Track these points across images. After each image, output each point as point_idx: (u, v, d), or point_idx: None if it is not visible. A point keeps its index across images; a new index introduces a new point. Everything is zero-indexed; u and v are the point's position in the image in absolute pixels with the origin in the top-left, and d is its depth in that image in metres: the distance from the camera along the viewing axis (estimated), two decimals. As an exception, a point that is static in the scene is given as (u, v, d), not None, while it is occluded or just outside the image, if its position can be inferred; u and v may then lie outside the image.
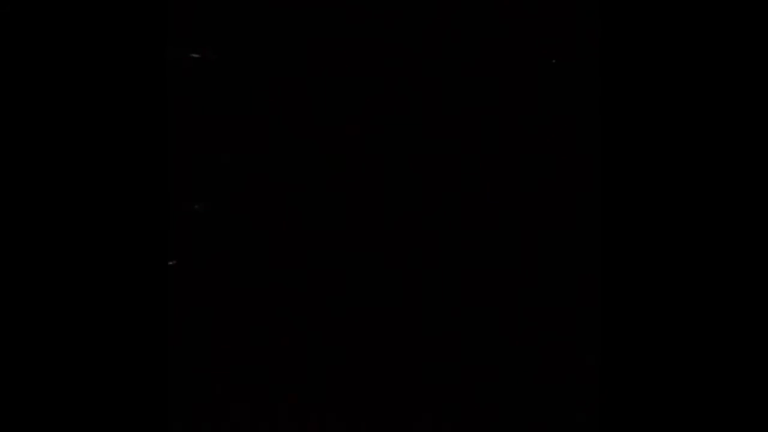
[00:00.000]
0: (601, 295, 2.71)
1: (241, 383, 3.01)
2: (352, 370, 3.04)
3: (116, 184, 2.38)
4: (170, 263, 2.77)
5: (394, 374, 3.03)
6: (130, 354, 2.43)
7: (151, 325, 2.48)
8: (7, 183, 2.23)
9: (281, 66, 3.14)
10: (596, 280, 2.94)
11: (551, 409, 2.98)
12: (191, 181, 3.09)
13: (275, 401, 3.00)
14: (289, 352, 3.04)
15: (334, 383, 3.03)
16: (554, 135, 3.14)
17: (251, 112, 3.13)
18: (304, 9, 3.16)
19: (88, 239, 2.35)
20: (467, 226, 3.13)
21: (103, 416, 2.36)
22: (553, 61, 2.92)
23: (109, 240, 2.36)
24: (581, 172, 3.12)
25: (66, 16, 2.09)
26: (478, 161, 3.15)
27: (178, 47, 3.07)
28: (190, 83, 3.09)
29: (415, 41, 3.16)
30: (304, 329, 3.07)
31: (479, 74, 3.16)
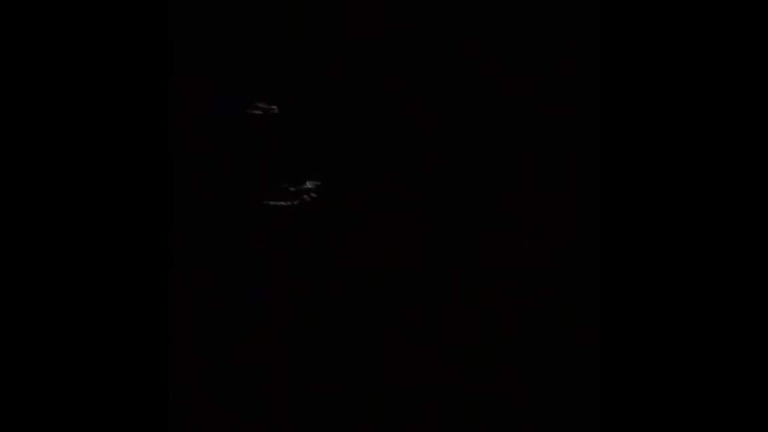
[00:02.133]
0: (601, 296, 2.71)
1: (239, 384, 3.00)
2: (351, 371, 3.04)
3: (115, 181, 2.38)
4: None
5: (394, 374, 3.03)
6: (129, 353, 2.42)
7: (150, 325, 2.48)
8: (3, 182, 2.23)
9: (281, 65, 3.14)
10: (596, 281, 2.94)
11: (551, 409, 2.98)
12: (191, 177, 3.09)
13: (274, 401, 3.00)
14: (289, 352, 3.04)
15: (334, 383, 3.03)
16: (554, 135, 3.14)
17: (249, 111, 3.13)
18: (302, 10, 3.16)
19: (88, 236, 2.34)
20: (467, 226, 3.14)
21: (102, 416, 2.36)
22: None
23: (108, 237, 2.35)
24: (581, 171, 3.12)
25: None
26: (478, 161, 3.15)
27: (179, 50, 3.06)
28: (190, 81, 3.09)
29: (415, 41, 3.16)
30: (304, 328, 3.06)
31: (480, 73, 3.16)
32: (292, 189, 3.12)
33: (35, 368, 2.27)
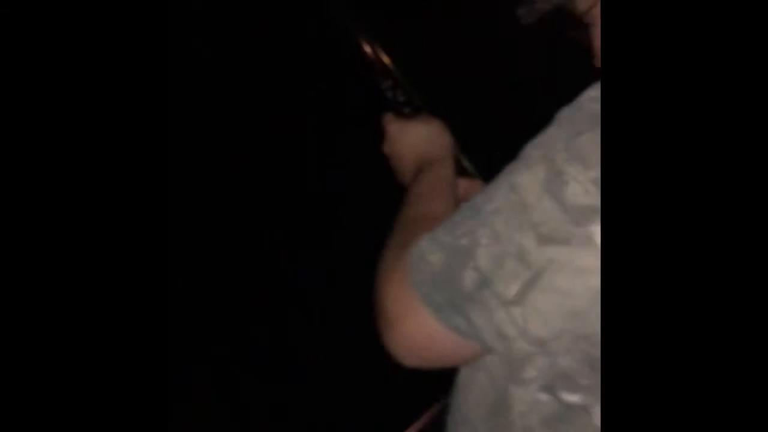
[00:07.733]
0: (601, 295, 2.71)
1: (239, 384, 3.02)
2: (351, 369, 3.05)
3: (113, 177, 2.37)
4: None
5: (393, 373, 3.04)
6: (129, 353, 2.43)
7: (150, 325, 2.48)
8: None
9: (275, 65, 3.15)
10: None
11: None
12: (189, 176, 3.10)
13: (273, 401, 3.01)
14: (287, 351, 3.06)
15: (333, 382, 3.04)
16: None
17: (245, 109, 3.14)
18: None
19: (85, 234, 2.34)
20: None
21: (101, 416, 2.36)
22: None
23: (106, 234, 2.36)
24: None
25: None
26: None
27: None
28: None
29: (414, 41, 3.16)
30: (303, 327, 3.08)
31: (480, 72, 3.16)
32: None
33: (31, 369, 2.27)
